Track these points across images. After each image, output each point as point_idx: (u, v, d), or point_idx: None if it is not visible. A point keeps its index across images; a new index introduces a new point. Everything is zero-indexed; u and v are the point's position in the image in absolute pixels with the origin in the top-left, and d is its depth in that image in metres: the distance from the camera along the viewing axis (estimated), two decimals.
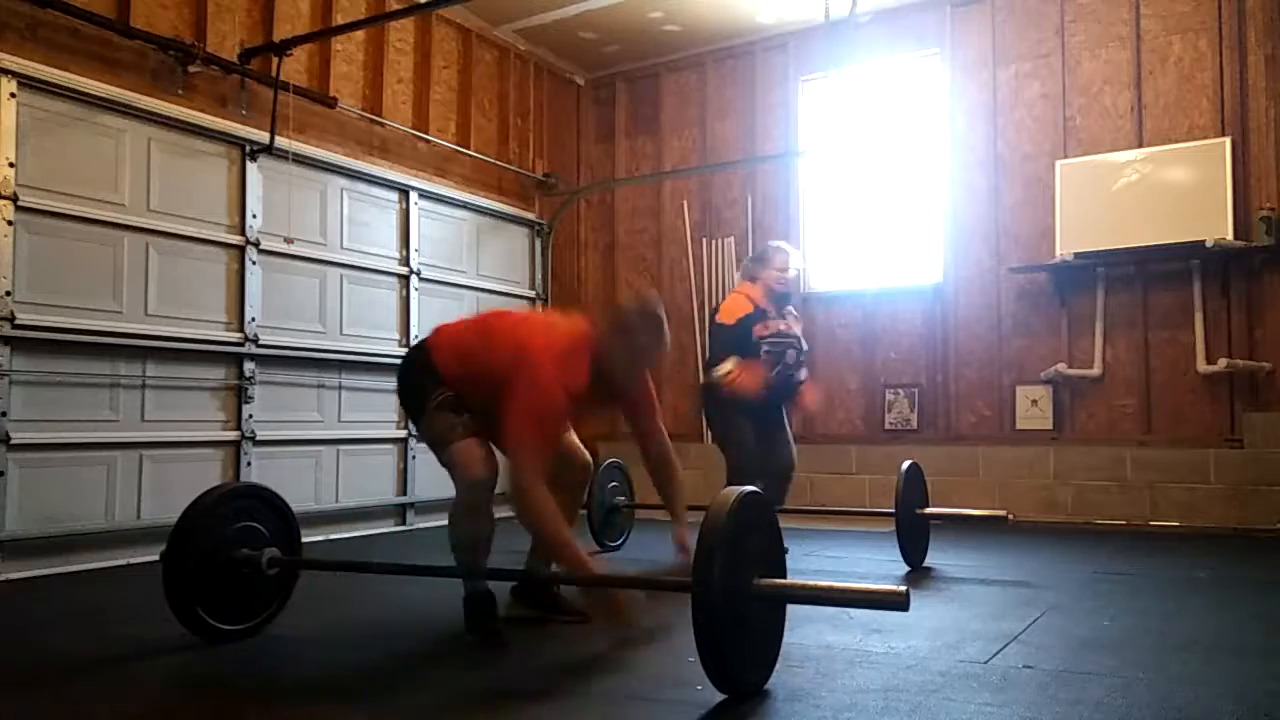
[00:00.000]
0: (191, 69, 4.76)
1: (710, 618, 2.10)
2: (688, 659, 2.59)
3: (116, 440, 4.42)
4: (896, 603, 2.17)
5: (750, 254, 4.72)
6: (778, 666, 2.37)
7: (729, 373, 4.25)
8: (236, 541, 2.79)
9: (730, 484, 4.25)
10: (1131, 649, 2.69)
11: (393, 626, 3.08)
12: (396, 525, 5.78)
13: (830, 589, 2.32)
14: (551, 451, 2.83)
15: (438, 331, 3.03)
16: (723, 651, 2.12)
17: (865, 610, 3.22)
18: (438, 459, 2.83)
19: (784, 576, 2.39)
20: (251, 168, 5.04)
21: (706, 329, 4.76)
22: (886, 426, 6.34)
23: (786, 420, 4.56)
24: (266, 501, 2.93)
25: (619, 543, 4.84)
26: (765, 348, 4.32)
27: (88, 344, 4.31)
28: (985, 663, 2.54)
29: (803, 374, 4.45)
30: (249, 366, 4.97)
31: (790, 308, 4.53)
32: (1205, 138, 5.49)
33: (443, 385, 2.83)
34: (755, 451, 4.34)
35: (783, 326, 4.40)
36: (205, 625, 2.74)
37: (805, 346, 4.50)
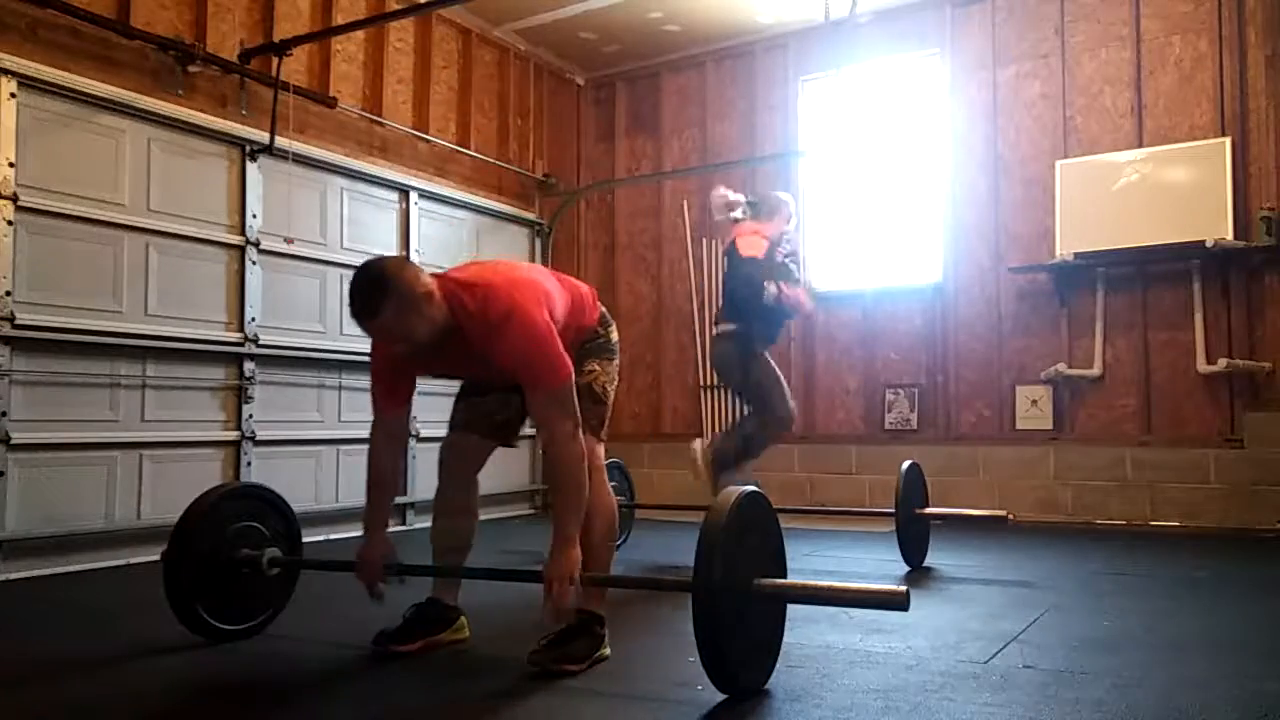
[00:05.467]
0: (191, 69, 4.76)
1: (710, 617, 2.10)
2: (688, 659, 2.59)
3: (116, 440, 4.42)
4: (896, 603, 2.17)
5: (750, 197, 4.54)
6: (778, 666, 2.37)
7: (781, 291, 4.15)
8: (237, 541, 2.79)
9: (767, 426, 4.34)
10: (1131, 649, 2.69)
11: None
12: (396, 525, 5.78)
13: (830, 589, 2.32)
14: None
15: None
16: (723, 651, 2.12)
17: (865, 610, 3.22)
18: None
19: (784, 576, 2.40)
20: (251, 168, 5.04)
21: (722, 269, 4.56)
22: (886, 426, 6.34)
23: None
24: (267, 501, 2.93)
25: (618, 543, 4.84)
26: (792, 264, 4.39)
27: (88, 344, 4.31)
28: (985, 663, 2.54)
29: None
30: (249, 366, 4.97)
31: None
32: (1205, 138, 5.49)
33: None
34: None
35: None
36: (206, 625, 2.74)
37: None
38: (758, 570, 2.26)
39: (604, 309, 2.84)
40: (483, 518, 6.65)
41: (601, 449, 2.64)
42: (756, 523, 2.30)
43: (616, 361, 2.78)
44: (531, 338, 2.38)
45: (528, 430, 2.91)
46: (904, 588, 2.20)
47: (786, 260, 4.39)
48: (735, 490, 2.26)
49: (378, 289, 2.31)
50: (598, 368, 2.69)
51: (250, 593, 2.83)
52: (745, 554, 2.21)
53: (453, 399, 2.83)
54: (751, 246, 4.25)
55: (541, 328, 2.39)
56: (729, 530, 2.15)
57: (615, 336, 2.82)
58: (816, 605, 2.81)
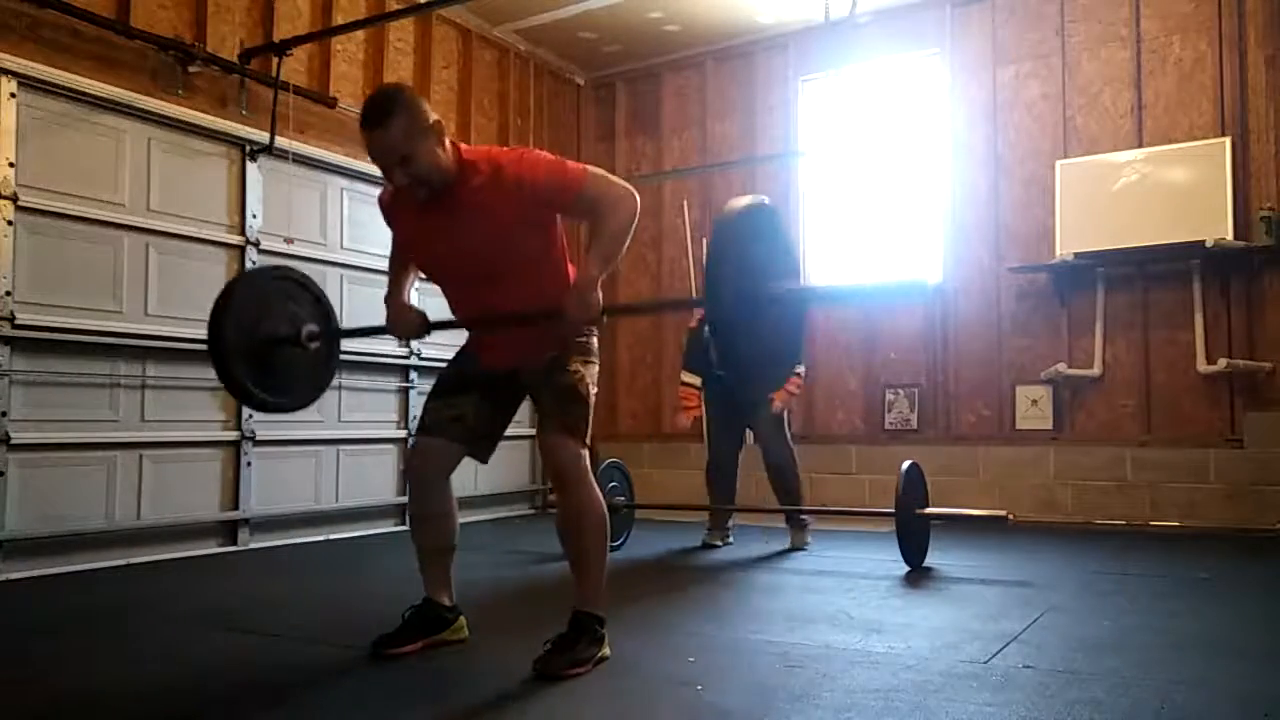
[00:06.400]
0: (191, 69, 4.76)
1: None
2: (688, 659, 2.60)
3: (116, 440, 4.42)
4: (911, 290, 2.46)
5: None
6: (778, 667, 2.37)
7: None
8: (277, 318, 2.74)
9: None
10: (1131, 649, 2.69)
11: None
12: (396, 525, 5.78)
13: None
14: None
15: None
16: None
17: (866, 610, 3.23)
18: None
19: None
20: (251, 168, 5.04)
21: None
22: (886, 426, 6.34)
23: None
24: (301, 285, 2.88)
25: (619, 543, 4.84)
26: None
27: (88, 344, 4.31)
28: (985, 663, 2.54)
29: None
30: None
31: None
32: (1205, 138, 5.48)
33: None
34: None
35: None
36: (255, 397, 2.73)
37: None
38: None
39: None
40: (483, 517, 6.67)
41: (586, 453, 2.61)
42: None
43: (596, 368, 2.72)
44: (544, 159, 2.49)
45: (526, 431, 2.90)
46: None
47: None
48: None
49: (390, 102, 2.39)
50: (581, 368, 2.64)
51: (294, 368, 2.78)
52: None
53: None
54: None
55: (553, 157, 2.52)
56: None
57: (595, 342, 2.75)
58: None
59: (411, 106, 2.39)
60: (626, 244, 2.54)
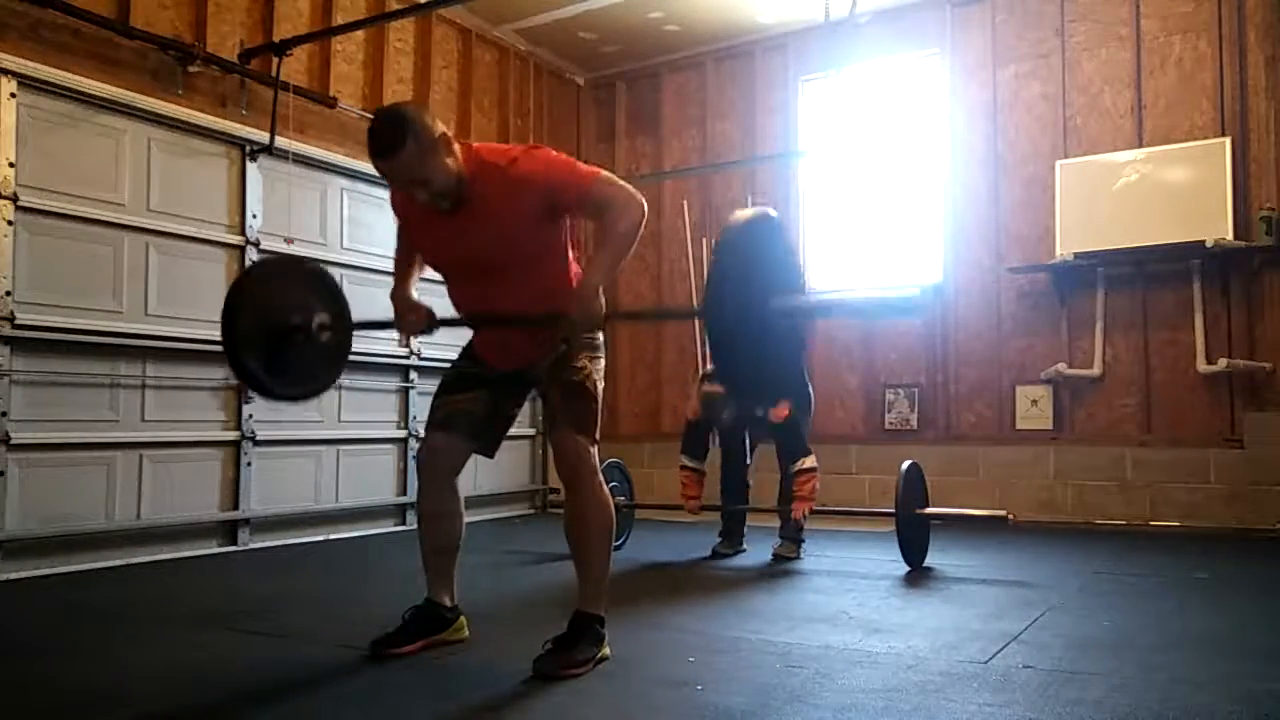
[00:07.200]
0: (191, 69, 4.76)
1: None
2: (688, 659, 2.60)
3: (116, 440, 4.41)
4: (907, 307, 2.30)
5: None
6: (778, 666, 2.37)
7: None
8: (289, 309, 2.74)
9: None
10: (1131, 649, 2.69)
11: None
12: (396, 525, 5.78)
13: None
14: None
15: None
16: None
17: (866, 609, 3.23)
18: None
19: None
20: (251, 168, 5.04)
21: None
22: (886, 426, 6.34)
23: None
24: (315, 275, 2.89)
25: (620, 543, 4.84)
26: None
27: (88, 344, 4.31)
28: (985, 663, 2.54)
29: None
30: None
31: None
32: (1205, 138, 5.48)
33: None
34: None
35: None
36: (265, 386, 2.75)
37: None
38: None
39: None
40: (484, 517, 6.66)
41: (595, 449, 2.62)
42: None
43: (603, 363, 2.74)
44: (553, 157, 2.48)
45: (526, 430, 2.89)
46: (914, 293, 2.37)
47: None
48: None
49: (397, 128, 2.35)
50: (588, 364, 2.64)
51: (305, 358, 2.78)
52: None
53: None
54: None
55: (564, 156, 2.50)
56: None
57: (602, 337, 2.76)
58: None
59: (418, 127, 2.35)
60: (631, 250, 2.53)
